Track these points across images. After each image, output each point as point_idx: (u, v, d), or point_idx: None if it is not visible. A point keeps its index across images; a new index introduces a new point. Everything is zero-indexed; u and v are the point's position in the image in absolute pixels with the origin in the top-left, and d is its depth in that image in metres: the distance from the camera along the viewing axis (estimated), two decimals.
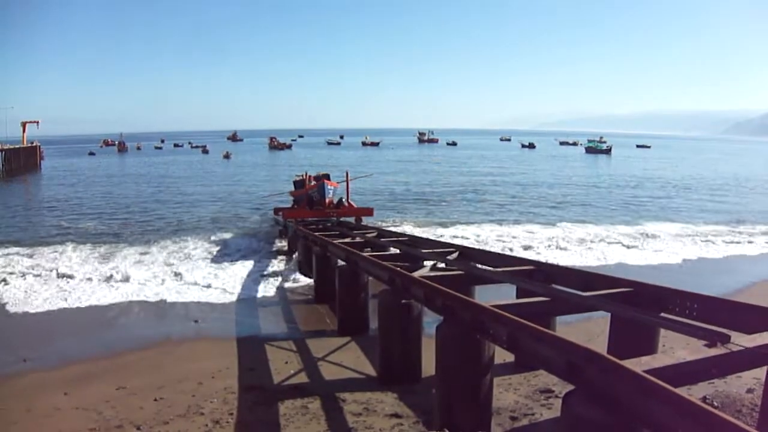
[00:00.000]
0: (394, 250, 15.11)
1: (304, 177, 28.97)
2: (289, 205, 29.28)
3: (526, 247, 22.87)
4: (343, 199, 25.47)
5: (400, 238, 16.58)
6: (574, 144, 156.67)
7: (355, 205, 26.07)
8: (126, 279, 17.58)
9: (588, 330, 11.41)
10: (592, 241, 24.19)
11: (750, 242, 24.34)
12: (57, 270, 18.69)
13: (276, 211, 29.79)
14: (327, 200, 24.62)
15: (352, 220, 24.37)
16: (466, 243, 21.16)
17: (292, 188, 30.89)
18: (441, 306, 8.02)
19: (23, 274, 18.38)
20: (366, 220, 24.62)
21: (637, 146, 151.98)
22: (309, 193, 25.59)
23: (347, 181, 26.02)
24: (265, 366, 10.98)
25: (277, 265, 20.72)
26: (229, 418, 8.57)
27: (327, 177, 27.48)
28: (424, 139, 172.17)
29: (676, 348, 5.87)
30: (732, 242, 24.29)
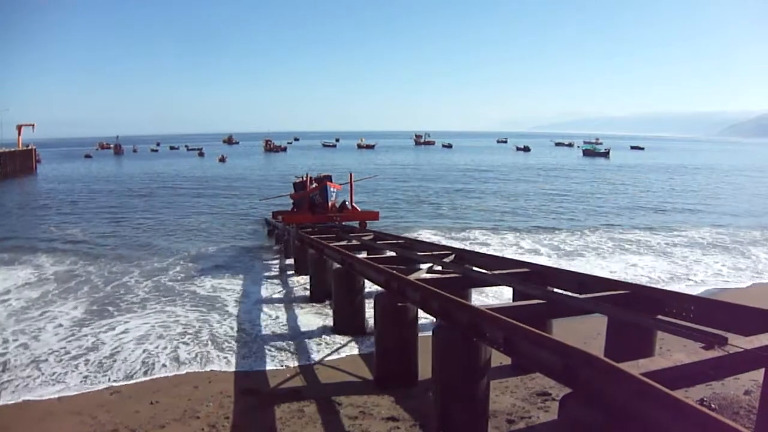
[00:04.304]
0: (390, 253, 15.06)
1: (305, 179, 27.20)
2: (289, 208, 28.38)
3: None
4: (347, 203, 24.38)
5: (396, 241, 16.54)
6: (570, 145, 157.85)
7: (359, 209, 24.79)
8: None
9: (585, 332, 11.39)
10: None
11: None
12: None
13: (275, 215, 28.96)
14: (330, 204, 23.66)
15: (356, 224, 23.25)
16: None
17: (292, 191, 29.72)
18: (437, 309, 8.00)
19: None
20: (371, 225, 23.32)
21: (631, 147, 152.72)
22: (311, 196, 24.47)
23: (351, 183, 24.74)
24: (260, 369, 10.95)
25: (273, 268, 20.68)
26: (225, 422, 8.52)
27: (329, 179, 26.29)
28: (421, 141, 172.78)
29: (673, 350, 5.88)
30: None
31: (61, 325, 14.03)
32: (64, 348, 12.39)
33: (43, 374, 10.95)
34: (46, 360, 11.70)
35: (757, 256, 21.61)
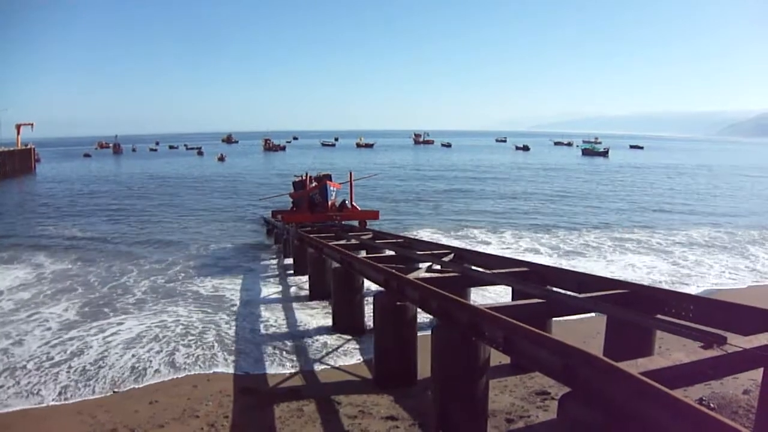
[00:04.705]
0: (389, 252, 15.06)
1: (305, 178, 27.14)
2: (288, 208, 28.27)
3: None
4: (347, 202, 24.21)
5: (395, 240, 16.54)
6: (569, 144, 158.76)
7: (359, 208, 24.65)
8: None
9: (584, 332, 11.40)
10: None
11: None
12: None
13: (274, 214, 28.76)
14: (329, 203, 23.54)
15: (355, 223, 23.03)
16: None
17: (291, 189, 29.63)
18: (436, 308, 7.99)
19: None
20: (371, 224, 23.09)
21: (630, 147, 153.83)
22: (310, 195, 24.36)
23: (351, 182, 24.55)
24: (260, 369, 10.94)
25: (272, 267, 20.66)
26: (225, 421, 8.52)
27: (329, 177, 26.20)
28: (420, 140, 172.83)
29: (672, 350, 5.88)
30: None
31: (49, 328, 13.45)
32: (47, 353, 11.72)
33: (17, 384, 10.21)
34: (24, 367, 10.99)
35: (757, 256, 21.62)
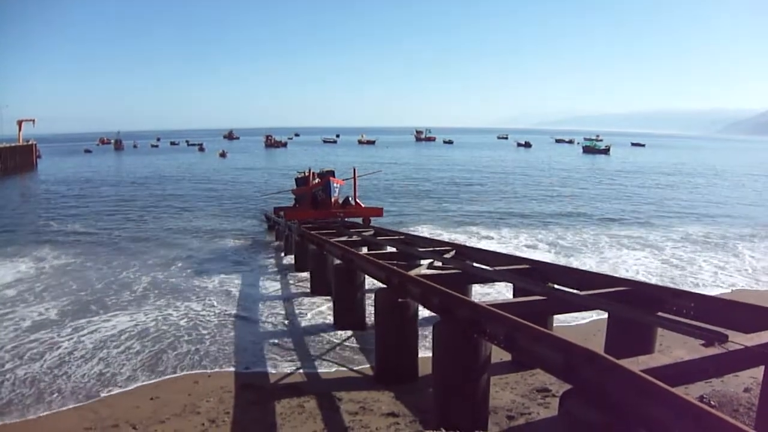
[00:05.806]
0: (390, 249, 15.07)
1: (307, 174, 27.01)
2: (290, 204, 27.95)
3: None
4: (350, 198, 23.93)
5: (396, 237, 16.55)
6: (570, 142, 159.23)
7: (363, 205, 24.35)
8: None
9: (585, 329, 11.42)
10: None
11: None
12: None
13: (276, 210, 28.30)
14: (333, 199, 23.21)
15: (359, 220, 22.81)
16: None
17: (294, 186, 29.24)
18: (438, 305, 7.99)
19: None
20: (374, 221, 22.77)
21: (632, 144, 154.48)
22: (313, 192, 24.12)
23: (354, 178, 24.32)
24: (261, 365, 10.95)
25: (273, 264, 20.67)
26: (225, 417, 8.54)
27: (332, 174, 25.99)
28: (422, 137, 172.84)
29: (673, 347, 5.87)
30: None
31: (17, 328, 12.71)
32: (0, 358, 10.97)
33: None
34: None
35: (746, 254, 21.63)
